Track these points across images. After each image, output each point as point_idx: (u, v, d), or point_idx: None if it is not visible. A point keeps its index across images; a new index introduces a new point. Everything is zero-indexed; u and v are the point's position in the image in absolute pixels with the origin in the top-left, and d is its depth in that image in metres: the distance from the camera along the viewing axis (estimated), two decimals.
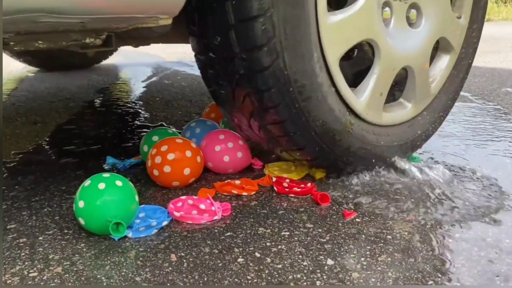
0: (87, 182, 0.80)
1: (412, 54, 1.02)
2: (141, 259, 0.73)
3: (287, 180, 0.98)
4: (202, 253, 0.74)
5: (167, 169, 0.97)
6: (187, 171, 0.98)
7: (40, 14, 0.68)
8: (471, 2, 1.12)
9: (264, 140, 1.01)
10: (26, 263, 0.72)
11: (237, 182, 0.98)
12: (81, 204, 0.77)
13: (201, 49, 0.94)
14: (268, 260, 0.72)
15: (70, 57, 2.69)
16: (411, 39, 1.02)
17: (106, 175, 0.81)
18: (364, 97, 0.97)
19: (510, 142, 1.32)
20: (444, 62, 1.12)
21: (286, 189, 0.96)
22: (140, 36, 1.04)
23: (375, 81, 0.98)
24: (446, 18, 1.06)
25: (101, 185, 0.78)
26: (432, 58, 1.10)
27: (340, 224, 0.84)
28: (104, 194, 0.77)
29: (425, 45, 1.04)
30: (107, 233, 0.77)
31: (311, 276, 0.68)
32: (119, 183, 0.80)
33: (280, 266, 0.71)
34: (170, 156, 0.97)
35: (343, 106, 0.95)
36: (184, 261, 0.72)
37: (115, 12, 0.75)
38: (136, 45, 1.20)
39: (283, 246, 0.76)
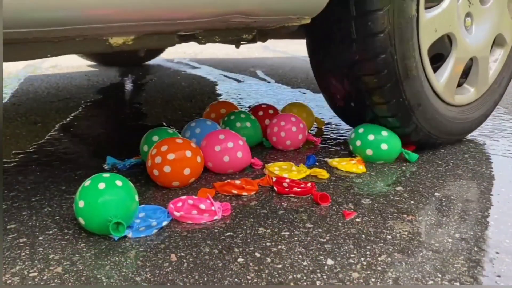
0: (87, 182, 0.80)
1: (478, 47, 1.25)
2: (141, 259, 0.73)
3: (287, 180, 0.98)
4: (202, 253, 0.74)
5: (167, 169, 0.97)
6: (187, 171, 0.98)
7: (236, 16, 0.87)
8: None
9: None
10: (26, 263, 0.72)
11: (237, 182, 0.98)
12: (81, 204, 0.77)
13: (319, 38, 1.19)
14: (268, 260, 0.72)
15: (125, 55, 2.91)
16: (478, 35, 1.26)
17: (106, 175, 0.81)
18: (443, 80, 1.19)
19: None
20: (499, 55, 1.35)
21: (286, 189, 0.96)
22: (275, 32, 1.20)
23: (452, 67, 1.20)
24: (503, 17, 1.30)
25: (101, 185, 0.78)
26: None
27: (340, 224, 0.84)
28: (104, 194, 0.77)
29: (488, 39, 1.27)
30: (107, 233, 0.77)
31: (311, 276, 0.68)
32: (119, 183, 0.80)
33: (280, 266, 0.71)
34: (170, 156, 0.97)
35: (429, 86, 1.17)
36: (184, 261, 0.72)
37: (282, 14, 0.96)
38: (264, 40, 1.38)
39: (283, 246, 0.76)
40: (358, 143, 1.14)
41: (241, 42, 1.14)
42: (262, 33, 1.17)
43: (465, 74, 1.29)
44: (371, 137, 1.13)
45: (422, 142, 1.21)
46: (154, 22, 0.81)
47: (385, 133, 1.13)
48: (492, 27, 1.27)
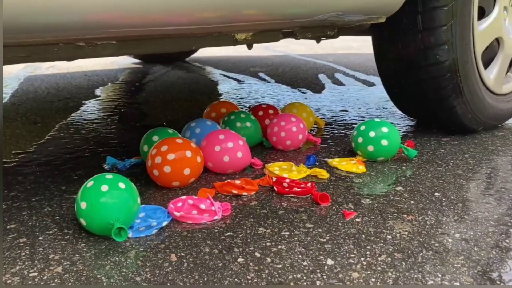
0: (89, 183, 0.80)
1: None
2: (141, 259, 0.73)
3: (287, 180, 0.98)
4: (202, 253, 0.74)
5: (167, 169, 0.97)
6: (187, 171, 0.98)
7: (334, 14, 0.99)
8: None
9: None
10: (26, 263, 0.72)
11: (237, 182, 0.98)
12: (83, 205, 0.77)
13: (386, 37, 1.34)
14: (268, 260, 0.72)
15: (168, 54, 3.06)
16: None
17: (109, 176, 0.80)
18: (493, 75, 1.38)
19: None
20: None
21: (286, 189, 0.96)
22: (350, 30, 1.28)
23: (500, 64, 1.40)
24: None
25: (104, 187, 0.78)
26: None
27: (340, 224, 0.84)
28: (107, 196, 0.77)
29: None
30: (108, 235, 0.77)
31: (311, 276, 0.68)
32: (122, 185, 0.80)
33: (280, 266, 0.71)
34: (170, 156, 0.97)
35: (481, 82, 1.34)
36: (184, 261, 0.72)
37: (367, 13, 1.08)
38: (337, 37, 1.47)
39: (283, 246, 0.76)
40: (360, 139, 1.15)
41: (322, 38, 1.24)
42: (340, 30, 1.26)
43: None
44: (372, 133, 1.13)
45: (471, 127, 1.37)
46: (273, 21, 0.95)
47: (385, 129, 1.14)
48: None
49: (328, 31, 1.18)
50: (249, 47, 1.49)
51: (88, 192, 0.78)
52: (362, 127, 1.17)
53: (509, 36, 1.40)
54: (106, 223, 0.76)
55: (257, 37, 1.06)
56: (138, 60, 3.25)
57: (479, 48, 1.31)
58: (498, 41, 1.39)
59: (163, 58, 3.14)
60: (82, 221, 0.78)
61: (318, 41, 1.34)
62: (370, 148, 1.13)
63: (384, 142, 1.13)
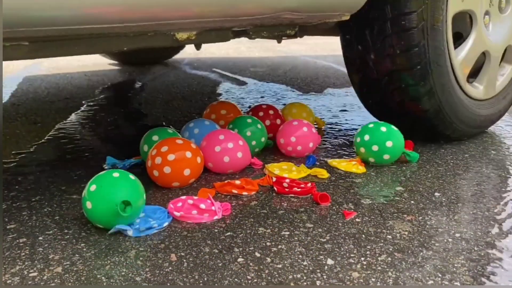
0: (101, 173, 0.83)
1: (492, 43, 1.33)
2: (141, 259, 0.73)
3: (287, 180, 0.98)
4: (202, 253, 0.74)
5: (167, 169, 0.96)
6: (187, 171, 0.98)
7: (286, 13, 0.93)
8: None
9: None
10: (26, 263, 0.72)
11: (237, 182, 0.98)
12: (92, 188, 0.79)
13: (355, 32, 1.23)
14: (268, 260, 0.72)
15: (145, 54, 2.96)
16: (493, 34, 1.34)
17: (117, 172, 0.83)
18: (461, 57, 1.25)
19: None
20: (507, 71, 1.42)
21: (286, 189, 0.96)
22: (314, 29, 1.25)
23: (470, 47, 1.27)
24: None
25: (115, 174, 0.81)
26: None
27: (340, 224, 0.84)
28: (118, 180, 0.80)
29: (501, 43, 1.35)
30: (111, 222, 0.78)
31: (311, 276, 0.68)
32: (132, 176, 0.83)
33: (280, 266, 0.71)
34: (171, 157, 0.97)
35: (459, 88, 1.25)
36: (184, 261, 0.72)
37: (325, 11, 1.01)
38: (301, 36, 1.44)
39: (283, 246, 0.76)
40: (362, 150, 1.12)
41: (283, 38, 1.19)
42: (302, 29, 1.23)
43: (474, 73, 1.34)
44: (375, 147, 1.10)
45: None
46: (217, 19, 0.89)
47: (389, 143, 1.10)
48: (506, 35, 1.34)
49: (287, 30, 1.13)
50: (197, 47, 1.43)
51: (99, 177, 0.81)
52: (366, 137, 1.11)
53: (482, 25, 1.29)
54: (113, 204, 0.77)
55: (203, 36, 1.00)
56: (115, 62, 3.14)
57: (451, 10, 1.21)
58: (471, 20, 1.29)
59: (140, 59, 3.02)
60: (88, 204, 0.79)
61: (279, 41, 1.28)
62: (372, 160, 1.12)
63: (386, 157, 1.11)
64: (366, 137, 1.12)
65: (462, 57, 1.25)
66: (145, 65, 3.02)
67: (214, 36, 1.04)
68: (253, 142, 1.18)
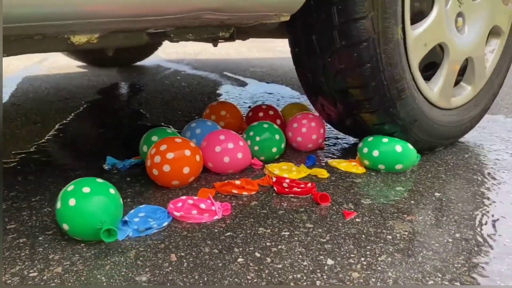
0: (70, 187, 0.78)
1: (472, 47, 1.22)
2: (141, 259, 0.73)
3: (287, 180, 0.98)
4: (202, 253, 0.74)
5: (166, 168, 0.97)
6: (186, 170, 0.98)
7: (205, 12, 0.83)
8: None
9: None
10: (26, 263, 0.72)
11: (237, 182, 0.98)
12: (64, 206, 0.75)
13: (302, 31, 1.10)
14: (268, 260, 0.72)
15: (114, 55, 2.79)
16: (471, 34, 1.22)
17: (88, 181, 0.79)
18: (437, 89, 1.17)
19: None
20: (496, 45, 1.31)
21: (286, 189, 0.96)
22: (254, 31, 1.16)
23: (445, 75, 1.17)
24: (496, 7, 1.25)
25: (86, 189, 0.76)
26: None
27: (340, 224, 0.84)
28: (90, 197, 0.75)
29: (482, 36, 1.24)
30: (94, 238, 0.76)
31: (311, 276, 0.68)
32: (110, 190, 0.79)
33: (280, 266, 0.71)
34: (169, 155, 0.97)
35: (421, 97, 1.14)
36: (184, 261, 0.72)
37: (255, 10, 0.90)
38: (244, 39, 1.36)
39: (283, 246, 0.76)
40: (366, 162, 1.10)
41: (219, 40, 1.10)
42: (241, 31, 1.12)
43: (461, 71, 1.27)
44: (381, 166, 1.08)
45: (423, 149, 1.19)
46: (117, 19, 0.76)
47: (399, 166, 1.07)
48: (486, 21, 1.23)
49: (220, 32, 1.02)
50: (109, 51, 1.25)
51: (69, 195, 0.76)
52: (375, 153, 1.08)
53: (455, 40, 1.16)
54: (92, 225, 0.74)
55: (108, 39, 0.89)
56: (83, 64, 3.02)
57: (415, 60, 1.09)
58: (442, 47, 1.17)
59: (107, 62, 2.91)
60: (65, 226, 0.76)
61: (214, 44, 1.15)
62: (381, 167, 1.10)
63: (399, 166, 1.08)
64: (375, 153, 1.08)
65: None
66: (114, 67, 2.90)
67: (123, 39, 0.94)
68: (274, 149, 1.15)
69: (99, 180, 0.80)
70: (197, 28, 0.98)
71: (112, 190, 0.79)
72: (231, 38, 1.10)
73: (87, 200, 0.75)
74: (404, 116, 1.09)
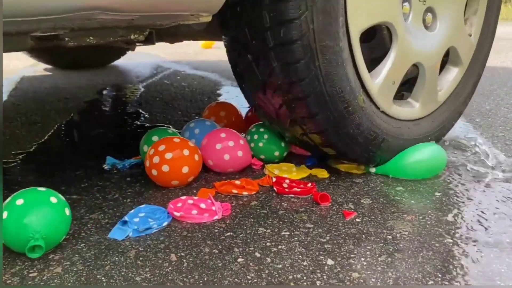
0: (7, 199, 0.74)
1: (425, 53, 1.08)
2: (141, 259, 0.73)
3: (287, 181, 0.98)
4: (202, 253, 0.74)
5: (165, 168, 0.97)
6: (185, 169, 0.98)
7: (97, 12, 0.73)
8: (481, 22, 1.21)
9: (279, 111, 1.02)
10: (26, 263, 0.72)
11: (237, 182, 0.98)
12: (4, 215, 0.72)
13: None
14: (268, 260, 0.72)
15: (84, 56, 2.69)
16: (426, 39, 1.09)
17: (26, 192, 0.75)
18: (378, 80, 1.02)
19: None
20: (452, 75, 1.20)
21: (286, 190, 0.96)
22: (178, 32, 1.08)
23: (390, 67, 1.02)
24: (458, 29, 1.14)
25: (19, 201, 0.72)
26: (441, 70, 1.18)
27: (340, 224, 0.84)
28: (22, 209, 0.72)
29: (438, 48, 1.11)
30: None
31: (311, 276, 0.68)
32: (51, 199, 0.75)
33: (280, 266, 0.71)
34: (168, 156, 0.97)
35: (359, 83, 0.99)
36: (184, 261, 0.72)
37: (161, 10, 0.80)
38: (172, 42, 1.27)
39: (283, 246, 0.76)
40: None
41: (136, 44, 0.97)
42: (166, 33, 1.02)
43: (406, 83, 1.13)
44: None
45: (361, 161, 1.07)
46: None
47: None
48: (443, 35, 1.11)
49: (131, 35, 0.92)
50: (131, 47, 1.09)
51: (11, 205, 0.73)
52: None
53: (405, 31, 1.03)
54: (25, 236, 0.71)
55: None
56: (49, 66, 2.86)
57: (355, 25, 0.95)
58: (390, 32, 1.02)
59: (74, 64, 2.75)
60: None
61: (131, 48, 1.00)
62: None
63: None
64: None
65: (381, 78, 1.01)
66: (81, 69, 2.76)
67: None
68: (276, 153, 1.14)
69: (41, 189, 0.76)
70: (100, 31, 0.88)
71: (54, 199, 0.75)
72: (148, 41, 0.99)
73: (18, 212, 0.71)
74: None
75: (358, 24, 0.95)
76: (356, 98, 0.97)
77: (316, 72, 0.92)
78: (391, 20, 0.99)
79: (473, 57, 1.23)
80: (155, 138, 1.09)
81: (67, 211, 0.76)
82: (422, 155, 1.06)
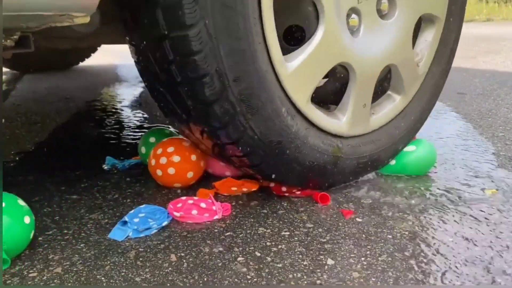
0: None
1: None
2: (141, 259, 0.73)
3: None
4: (202, 253, 0.74)
5: (171, 170, 0.96)
6: (190, 174, 0.98)
7: None
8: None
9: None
10: (26, 263, 0.72)
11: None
12: None
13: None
14: (268, 259, 0.72)
15: (48, 58, 2.59)
16: (362, 40, 0.92)
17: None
18: (346, 117, 0.93)
19: None
20: (430, 35, 1.03)
21: (286, 194, 0.95)
22: (61, 36, 0.97)
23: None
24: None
25: None
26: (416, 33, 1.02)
27: (340, 224, 0.83)
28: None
29: (404, 35, 0.96)
30: None
31: (311, 275, 0.68)
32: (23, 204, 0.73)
33: (280, 265, 0.71)
34: (176, 159, 0.96)
35: (328, 136, 0.92)
36: (184, 261, 0.72)
37: (17, 10, 0.64)
38: (62, 45, 1.16)
39: (283, 245, 0.76)
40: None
41: (10, 50, 0.79)
42: (44, 37, 0.91)
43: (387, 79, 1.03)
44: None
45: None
46: None
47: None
48: (408, 15, 0.96)
49: None
50: (6, 54, 0.85)
51: None
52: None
53: (360, 54, 0.90)
54: None
55: None
56: (15, 71, 2.73)
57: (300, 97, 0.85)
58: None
59: (39, 66, 2.65)
60: None
61: (5, 55, 0.85)
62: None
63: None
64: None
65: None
66: (49, 71, 2.68)
67: None
68: None
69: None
70: None
71: (12, 208, 0.71)
72: (23, 46, 0.81)
73: None
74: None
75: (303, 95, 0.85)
76: (332, 155, 0.91)
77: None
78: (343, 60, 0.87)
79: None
80: (152, 140, 1.09)
81: (27, 219, 0.72)
82: (410, 152, 1.06)
